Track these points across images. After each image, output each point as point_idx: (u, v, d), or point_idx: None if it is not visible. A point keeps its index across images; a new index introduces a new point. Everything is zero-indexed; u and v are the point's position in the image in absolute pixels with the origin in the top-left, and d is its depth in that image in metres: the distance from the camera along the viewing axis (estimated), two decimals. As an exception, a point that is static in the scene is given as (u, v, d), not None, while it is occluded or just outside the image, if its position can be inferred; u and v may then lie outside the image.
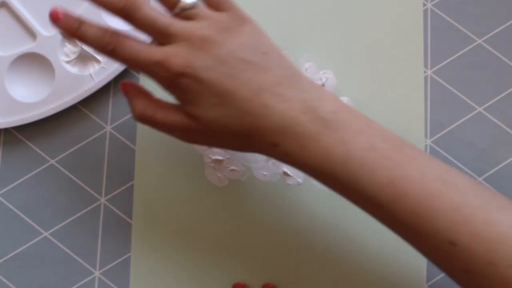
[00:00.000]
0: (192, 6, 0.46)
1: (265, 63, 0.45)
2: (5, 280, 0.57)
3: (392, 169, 0.43)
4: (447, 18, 0.59)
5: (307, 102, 0.44)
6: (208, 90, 0.44)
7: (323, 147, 0.43)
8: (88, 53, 0.58)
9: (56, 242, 0.57)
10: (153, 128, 0.49)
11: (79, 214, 0.58)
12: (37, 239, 0.58)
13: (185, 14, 0.46)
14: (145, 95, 0.49)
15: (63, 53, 0.59)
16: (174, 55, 0.44)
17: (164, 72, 0.45)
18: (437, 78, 0.59)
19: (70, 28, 0.48)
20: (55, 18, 0.48)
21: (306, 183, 0.57)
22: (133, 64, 0.46)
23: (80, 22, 0.47)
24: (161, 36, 0.46)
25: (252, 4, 0.59)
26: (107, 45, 0.47)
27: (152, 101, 0.48)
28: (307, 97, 0.45)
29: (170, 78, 0.45)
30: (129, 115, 0.58)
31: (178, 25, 0.45)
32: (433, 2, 0.60)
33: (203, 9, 0.47)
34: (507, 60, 0.59)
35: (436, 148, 0.58)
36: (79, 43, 0.58)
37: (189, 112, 0.46)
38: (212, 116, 0.45)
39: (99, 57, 0.58)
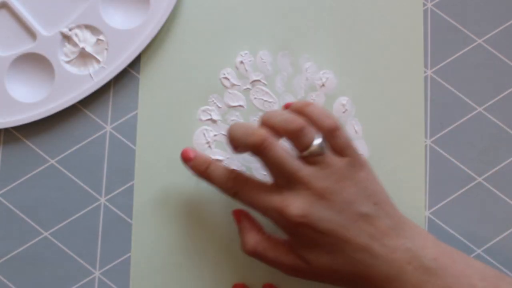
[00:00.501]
0: (321, 153, 0.48)
1: (376, 213, 0.47)
2: (5, 280, 0.57)
3: None
4: (447, 18, 0.59)
5: (412, 251, 0.46)
6: (323, 239, 0.47)
7: None
8: (88, 53, 0.58)
9: (56, 242, 0.57)
10: (263, 262, 0.51)
11: (79, 214, 0.58)
12: (37, 239, 0.58)
13: (312, 159, 0.48)
14: (258, 229, 0.52)
15: (63, 53, 0.59)
16: (293, 204, 0.47)
17: (282, 219, 0.47)
18: (437, 78, 0.59)
19: (199, 169, 0.52)
20: (187, 159, 0.53)
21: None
22: (253, 207, 0.49)
23: (208, 163, 0.52)
24: (285, 179, 0.48)
25: (253, 4, 0.59)
26: (231, 188, 0.50)
27: (264, 238, 0.51)
28: (412, 246, 0.47)
29: (288, 226, 0.47)
30: (129, 115, 0.58)
31: (304, 172, 0.47)
32: (433, 2, 0.60)
33: (328, 154, 0.48)
34: (507, 60, 0.59)
35: (436, 148, 0.58)
36: (78, 44, 0.58)
37: (304, 257, 0.48)
38: (324, 262, 0.47)
39: (99, 56, 0.58)
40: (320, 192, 0.46)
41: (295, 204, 0.46)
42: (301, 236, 0.47)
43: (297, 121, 0.47)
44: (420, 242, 0.47)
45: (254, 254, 0.50)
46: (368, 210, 0.47)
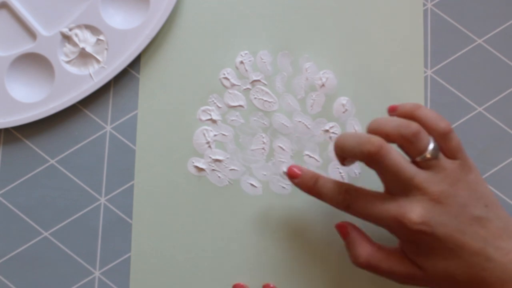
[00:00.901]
0: (436, 157, 0.47)
1: (488, 216, 0.47)
2: (5, 280, 0.57)
3: None
4: (447, 18, 0.59)
5: None
6: (441, 245, 0.46)
7: None
8: (88, 53, 0.58)
9: (56, 242, 0.57)
10: (378, 275, 0.50)
11: (79, 214, 0.58)
12: (37, 239, 0.58)
13: (426, 163, 0.47)
14: (368, 241, 0.51)
15: (63, 53, 0.59)
16: (411, 211, 0.46)
17: (400, 227, 0.46)
18: (437, 78, 0.59)
19: (307, 185, 0.52)
20: (293, 175, 0.52)
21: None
22: (368, 218, 0.48)
23: (316, 178, 0.51)
24: (400, 186, 0.47)
25: (252, 4, 0.59)
26: (342, 202, 0.49)
27: (376, 249, 0.50)
28: None
29: (407, 233, 0.46)
30: (129, 115, 0.58)
31: (420, 177, 0.47)
32: (433, 2, 0.60)
33: (441, 157, 0.48)
34: (507, 60, 0.59)
35: (436, 148, 0.58)
36: (78, 44, 0.58)
37: (417, 262, 0.48)
38: (440, 268, 0.47)
39: (99, 56, 0.58)
40: (437, 197, 0.46)
41: (415, 211, 0.46)
42: (419, 243, 0.47)
43: (412, 126, 0.47)
44: None
45: (367, 266, 0.49)
46: (480, 213, 0.47)
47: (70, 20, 0.59)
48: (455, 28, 0.59)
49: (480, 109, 0.58)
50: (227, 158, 0.57)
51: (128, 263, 0.57)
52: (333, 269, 0.56)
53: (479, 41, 0.59)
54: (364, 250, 0.50)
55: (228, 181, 0.57)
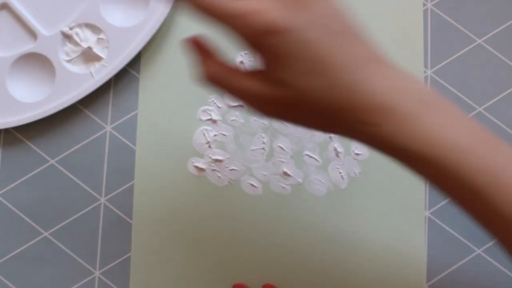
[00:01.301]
0: None
1: (357, 35, 0.40)
2: (5, 280, 0.57)
3: (488, 157, 0.38)
4: (447, 18, 0.59)
5: (404, 80, 0.39)
6: (302, 53, 0.37)
7: (424, 128, 0.38)
8: (90, 51, 0.58)
9: (56, 242, 0.58)
10: (226, 94, 0.41)
11: (79, 214, 0.58)
12: (37, 239, 0.58)
13: None
14: (220, 56, 0.42)
15: (64, 52, 0.59)
16: (266, 9, 0.37)
17: (253, 26, 0.37)
18: (437, 78, 0.59)
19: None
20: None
21: (306, 183, 0.57)
22: (214, 14, 0.38)
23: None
24: None
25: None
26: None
27: (229, 65, 0.41)
28: (403, 76, 0.39)
29: (260, 34, 0.37)
30: (129, 115, 0.59)
31: None
32: (433, 2, 0.60)
33: None
34: (507, 60, 0.59)
35: (436, 148, 0.58)
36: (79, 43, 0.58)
37: (276, 78, 0.38)
38: (303, 84, 0.38)
39: (100, 54, 0.58)
40: None
41: (269, 9, 0.37)
42: (275, 50, 0.37)
43: None
44: (413, 76, 0.40)
45: (217, 79, 0.41)
46: (351, 26, 0.39)
47: (70, 19, 0.59)
48: (455, 28, 0.59)
49: (480, 109, 0.58)
50: (227, 158, 0.57)
51: (128, 263, 0.57)
52: (333, 268, 0.57)
53: (479, 41, 0.59)
54: (215, 62, 0.41)
55: (228, 181, 0.57)
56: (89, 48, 0.58)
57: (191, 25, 0.59)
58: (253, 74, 0.40)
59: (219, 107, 0.58)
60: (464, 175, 0.38)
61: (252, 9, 0.37)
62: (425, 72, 0.59)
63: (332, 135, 0.57)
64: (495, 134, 0.40)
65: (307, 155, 0.58)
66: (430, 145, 0.38)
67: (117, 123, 0.59)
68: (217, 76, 0.40)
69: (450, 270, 0.56)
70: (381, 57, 0.39)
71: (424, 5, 0.60)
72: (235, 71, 0.40)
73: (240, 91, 0.40)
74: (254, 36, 0.37)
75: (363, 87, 0.38)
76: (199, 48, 0.42)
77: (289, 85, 0.38)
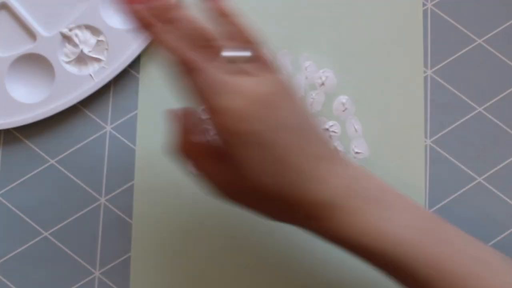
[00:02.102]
0: (246, 61, 0.43)
1: (313, 133, 0.43)
2: (5, 280, 0.57)
3: (430, 247, 0.42)
4: (447, 18, 0.59)
5: (353, 178, 0.43)
6: (258, 154, 0.41)
7: (368, 223, 0.41)
8: (85, 55, 0.58)
9: (56, 242, 0.57)
10: (190, 165, 0.45)
11: (79, 214, 0.58)
12: (37, 239, 0.58)
13: (232, 69, 0.42)
14: (197, 132, 0.46)
15: (63, 53, 0.59)
16: (234, 110, 0.40)
17: (220, 125, 0.41)
18: (437, 78, 0.59)
19: (147, 22, 0.43)
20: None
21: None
22: (201, 90, 0.42)
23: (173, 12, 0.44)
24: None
25: (253, 3, 0.59)
26: (190, 61, 0.42)
27: (201, 143, 0.45)
28: (352, 174, 0.43)
29: (227, 135, 0.41)
30: (129, 115, 0.59)
31: (232, 80, 0.41)
32: (433, 2, 0.60)
33: (252, 67, 0.43)
34: (507, 60, 0.59)
35: (436, 148, 0.58)
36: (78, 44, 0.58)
37: (238, 172, 0.42)
38: (256, 180, 0.41)
39: (99, 57, 0.58)
40: (261, 102, 0.41)
41: (237, 112, 0.40)
42: (240, 148, 0.41)
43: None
44: (360, 171, 0.44)
45: (186, 156, 0.45)
46: (306, 127, 0.43)
47: (70, 20, 0.59)
48: (455, 28, 0.59)
49: (480, 109, 0.58)
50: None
51: (128, 263, 0.57)
52: (333, 268, 0.56)
53: (479, 41, 0.59)
54: (187, 137, 0.45)
55: (228, 180, 0.57)
56: (84, 53, 0.58)
57: (191, 25, 0.60)
58: (219, 159, 0.43)
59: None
60: (409, 266, 0.42)
61: (220, 108, 0.40)
62: (425, 72, 0.59)
63: (331, 134, 0.57)
64: (441, 219, 0.44)
65: (307, 154, 0.58)
66: (375, 239, 0.42)
67: (117, 123, 0.59)
68: (188, 154, 0.45)
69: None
70: (334, 154, 0.43)
71: (424, 5, 0.60)
72: (205, 154, 0.44)
73: (206, 173, 0.44)
74: (219, 132, 0.42)
75: (315, 185, 0.41)
76: (180, 123, 0.46)
77: (249, 179, 0.41)
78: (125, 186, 0.58)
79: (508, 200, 0.57)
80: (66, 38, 0.59)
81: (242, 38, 0.44)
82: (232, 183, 0.43)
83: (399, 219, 0.42)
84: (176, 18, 0.43)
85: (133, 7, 0.42)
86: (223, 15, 0.45)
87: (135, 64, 0.59)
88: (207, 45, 0.44)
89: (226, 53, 0.43)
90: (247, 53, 0.44)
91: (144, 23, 0.42)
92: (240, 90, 0.41)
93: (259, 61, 0.44)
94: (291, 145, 0.41)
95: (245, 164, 0.41)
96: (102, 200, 0.58)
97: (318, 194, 0.41)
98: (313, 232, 0.44)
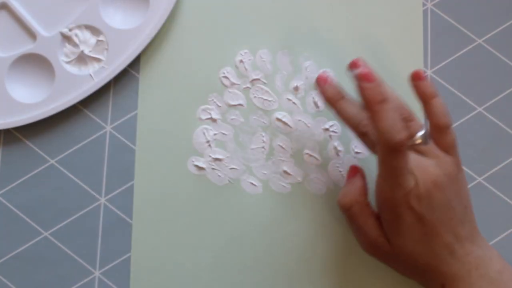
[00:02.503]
0: (425, 143, 0.49)
1: (463, 217, 0.49)
2: (5, 280, 0.57)
3: None
4: (447, 18, 0.59)
5: (481, 259, 0.48)
6: (419, 227, 0.48)
7: None
8: (85, 55, 0.58)
9: (56, 242, 0.57)
10: (348, 220, 0.52)
11: (79, 214, 0.58)
12: (37, 239, 0.58)
13: (416, 148, 0.50)
14: (363, 190, 0.51)
15: (63, 53, 0.59)
16: (416, 192, 0.47)
17: (401, 199, 0.47)
18: (437, 78, 0.59)
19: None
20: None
21: (306, 182, 0.57)
22: (389, 173, 0.47)
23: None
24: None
25: (252, 3, 0.59)
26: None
27: (364, 201, 0.51)
28: (482, 255, 0.49)
29: (399, 207, 0.47)
30: (129, 115, 0.58)
31: (423, 160, 0.48)
32: (433, 2, 0.60)
33: (433, 146, 0.50)
34: (507, 60, 0.59)
35: (436, 148, 0.58)
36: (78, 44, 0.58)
37: (388, 236, 0.50)
38: (407, 248, 0.48)
39: (99, 57, 0.58)
40: (431, 182, 0.47)
41: (411, 190, 0.47)
42: (403, 219, 0.48)
43: (406, 110, 0.51)
44: (489, 253, 0.49)
45: (347, 209, 0.50)
46: (460, 211, 0.48)
47: (70, 20, 0.59)
48: (455, 28, 0.59)
49: (480, 109, 0.58)
50: (227, 157, 0.57)
51: (128, 263, 0.57)
52: (334, 267, 0.56)
53: (479, 41, 0.59)
54: (353, 195, 0.51)
55: (228, 180, 0.57)
56: (84, 53, 0.58)
57: (191, 24, 0.60)
58: (377, 223, 0.50)
59: (219, 106, 0.58)
60: None
61: (409, 185, 0.47)
62: (425, 72, 0.59)
63: (332, 133, 0.58)
64: None
65: (307, 153, 0.58)
66: None
67: (117, 123, 0.59)
68: (352, 208, 0.50)
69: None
70: (476, 236, 0.50)
71: (424, 5, 0.60)
72: (368, 213, 0.51)
73: (361, 231, 0.51)
74: (391, 204, 0.48)
75: (449, 260, 0.48)
76: (357, 175, 0.53)
77: (395, 246, 0.49)
78: (125, 186, 0.58)
79: (508, 200, 0.57)
80: (66, 38, 0.59)
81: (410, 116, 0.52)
82: (379, 244, 0.50)
83: None
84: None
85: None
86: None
87: (135, 64, 0.59)
88: (407, 125, 0.50)
89: (420, 134, 0.49)
90: (427, 133, 0.50)
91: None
92: (424, 171, 0.47)
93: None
94: (447, 224, 0.48)
95: (398, 230, 0.48)
96: (102, 200, 0.58)
97: (449, 268, 0.48)
98: None
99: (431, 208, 0.47)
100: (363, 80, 0.46)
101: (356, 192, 0.51)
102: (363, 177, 0.52)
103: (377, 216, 0.50)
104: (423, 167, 0.48)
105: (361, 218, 0.50)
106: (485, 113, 0.58)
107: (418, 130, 0.50)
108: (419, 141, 0.49)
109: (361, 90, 0.46)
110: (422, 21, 0.59)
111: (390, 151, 0.45)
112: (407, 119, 0.51)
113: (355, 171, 0.53)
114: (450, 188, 0.48)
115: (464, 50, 0.59)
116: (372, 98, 0.45)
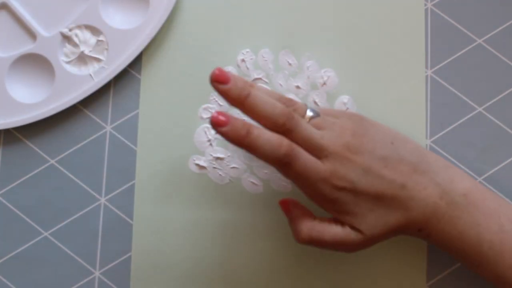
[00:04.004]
0: (317, 114, 0.49)
1: (396, 154, 0.48)
2: (5, 280, 0.57)
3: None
4: (447, 18, 0.60)
5: (441, 186, 0.48)
6: (363, 198, 0.47)
7: (458, 230, 0.48)
8: (85, 55, 0.58)
9: (56, 242, 0.57)
10: (320, 248, 0.49)
11: (79, 214, 0.58)
12: (37, 239, 0.57)
13: (314, 123, 0.48)
14: (308, 215, 0.50)
15: (63, 53, 0.59)
16: (336, 171, 0.46)
17: (328, 188, 0.46)
18: (437, 78, 0.59)
19: (238, 135, 0.44)
20: (219, 123, 0.44)
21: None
22: (301, 180, 0.47)
23: (249, 127, 0.45)
24: (316, 150, 0.47)
25: (254, 2, 0.59)
26: (283, 157, 0.45)
27: (316, 222, 0.49)
28: (440, 181, 0.48)
29: (331, 193, 0.47)
30: (129, 115, 0.58)
31: (325, 136, 0.47)
32: (433, 2, 0.60)
33: (324, 117, 0.49)
34: (507, 60, 0.59)
35: (436, 148, 0.58)
36: (78, 45, 0.58)
37: (350, 224, 0.48)
38: (371, 221, 0.47)
39: (99, 57, 0.58)
40: (347, 152, 0.47)
41: (338, 172, 0.46)
42: (344, 201, 0.47)
43: (283, 112, 0.47)
44: (448, 175, 0.49)
45: (310, 241, 0.48)
46: (388, 153, 0.48)
47: (70, 20, 0.59)
48: (455, 28, 0.60)
49: (480, 109, 0.58)
50: (228, 156, 0.57)
51: (128, 263, 0.57)
52: (333, 267, 0.56)
53: (479, 41, 0.59)
54: (305, 225, 0.49)
55: (229, 179, 0.57)
56: (84, 53, 0.58)
57: (192, 24, 0.60)
58: (337, 223, 0.49)
59: (220, 105, 0.58)
60: (492, 267, 0.48)
61: (326, 173, 0.46)
62: (425, 72, 0.59)
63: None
64: None
65: (308, 153, 0.58)
66: (460, 242, 0.48)
67: (117, 123, 0.59)
68: (312, 236, 0.48)
69: (451, 269, 0.56)
70: (420, 163, 0.49)
71: (424, 5, 0.60)
72: (324, 226, 0.49)
73: (334, 244, 0.48)
74: (326, 194, 0.47)
75: (409, 205, 0.47)
76: (291, 210, 0.50)
77: (363, 229, 0.48)
78: (125, 186, 0.58)
79: (508, 201, 0.57)
80: (66, 38, 0.59)
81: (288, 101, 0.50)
82: (353, 240, 0.48)
83: (483, 223, 0.48)
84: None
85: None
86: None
87: (135, 64, 0.59)
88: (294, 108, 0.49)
89: (308, 111, 0.49)
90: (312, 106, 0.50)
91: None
92: (330, 143, 0.47)
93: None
94: (383, 175, 0.47)
95: (349, 213, 0.48)
96: (102, 200, 0.58)
97: (415, 212, 0.48)
98: (414, 236, 0.50)
99: (357, 173, 0.47)
100: (217, 126, 0.44)
101: (304, 221, 0.49)
102: (297, 204, 0.51)
103: (334, 220, 0.49)
104: (333, 141, 0.47)
105: (326, 237, 0.48)
106: (485, 113, 0.58)
107: (304, 109, 0.49)
108: (311, 115, 0.49)
109: (223, 135, 0.45)
110: (422, 21, 0.59)
111: (283, 166, 0.46)
112: (288, 104, 0.48)
113: (287, 205, 0.51)
114: (366, 141, 0.48)
115: (464, 50, 0.59)
116: (235, 136, 0.44)
